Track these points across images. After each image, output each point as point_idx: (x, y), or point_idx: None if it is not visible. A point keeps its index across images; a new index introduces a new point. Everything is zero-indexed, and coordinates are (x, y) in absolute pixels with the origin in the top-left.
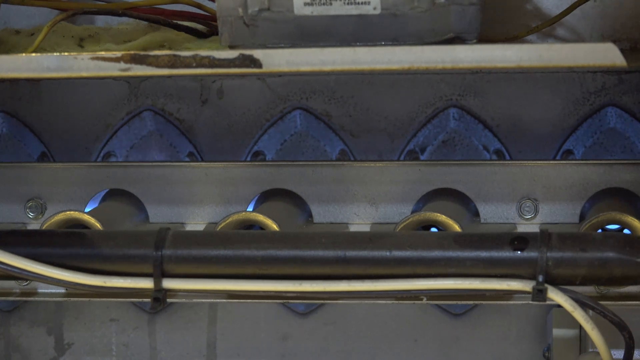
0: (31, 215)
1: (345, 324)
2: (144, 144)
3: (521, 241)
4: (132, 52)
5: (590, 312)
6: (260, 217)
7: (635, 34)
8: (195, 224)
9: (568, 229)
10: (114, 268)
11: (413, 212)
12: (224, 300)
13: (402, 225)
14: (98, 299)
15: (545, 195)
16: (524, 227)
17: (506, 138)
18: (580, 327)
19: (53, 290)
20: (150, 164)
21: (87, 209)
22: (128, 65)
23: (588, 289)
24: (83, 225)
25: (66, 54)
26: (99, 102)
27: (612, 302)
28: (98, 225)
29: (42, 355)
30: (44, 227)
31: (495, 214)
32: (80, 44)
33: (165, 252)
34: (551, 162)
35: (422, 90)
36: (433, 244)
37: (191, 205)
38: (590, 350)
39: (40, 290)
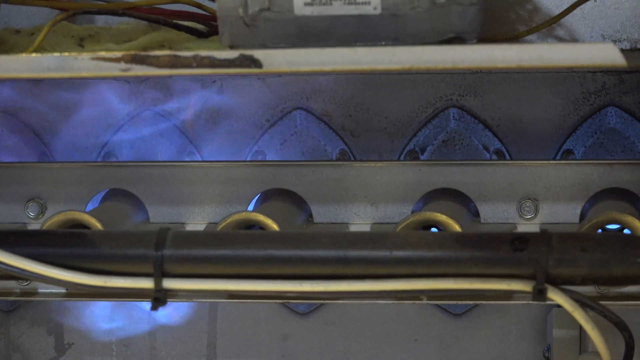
0: (31, 215)
1: (345, 324)
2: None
3: (521, 241)
4: (132, 52)
5: (591, 312)
6: (261, 217)
7: (635, 34)
8: (196, 224)
9: (568, 229)
10: (114, 268)
11: (413, 212)
12: (224, 300)
13: (402, 225)
14: (98, 299)
15: (545, 195)
16: (524, 227)
17: (506, 138)
18: (580, 327)
19: (53, 290)
20: (151, 163)
21: (88, 209)
22: (128, 66)
23: (588, 289)
24: (83, 225)
25: (66, 54)
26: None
27: (612, 302)
28: (98, 225)
29: (42, 355)
30: (44, 227)
31: (495, 214)
32: (81, 43)
33: (165, 252)
34: (551, 162)
35: (422, 90)
36: (433, 244)
37: (191, 205)
38: (590, 350)
39: (40, 290)
